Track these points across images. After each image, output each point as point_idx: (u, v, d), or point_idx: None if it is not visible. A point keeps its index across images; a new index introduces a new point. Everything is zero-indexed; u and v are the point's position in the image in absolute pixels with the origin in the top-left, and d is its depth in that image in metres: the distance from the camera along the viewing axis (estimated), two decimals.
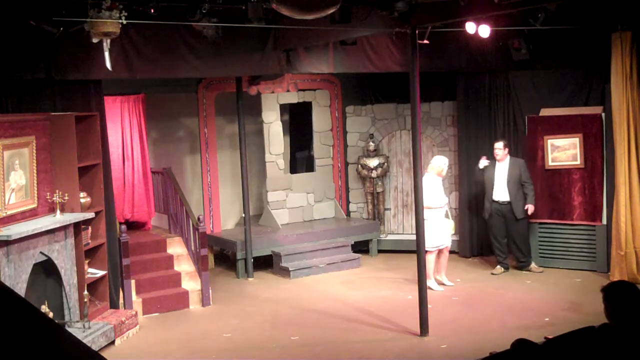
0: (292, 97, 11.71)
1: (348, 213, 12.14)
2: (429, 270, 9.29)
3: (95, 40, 7.02)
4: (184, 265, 9.48)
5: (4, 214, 6.85)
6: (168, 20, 7.42)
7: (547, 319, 7.98)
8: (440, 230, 9.44)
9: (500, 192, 9.93)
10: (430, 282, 9.17)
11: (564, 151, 9.96)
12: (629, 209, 9.18)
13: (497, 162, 10.01)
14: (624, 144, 9.13)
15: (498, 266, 10.09)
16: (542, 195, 10.18)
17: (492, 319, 8.12)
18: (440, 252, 9.53)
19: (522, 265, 10.06)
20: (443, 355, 7.10)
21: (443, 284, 9.54)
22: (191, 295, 9.07)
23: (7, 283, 6.38)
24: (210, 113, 11.11)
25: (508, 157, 10.01)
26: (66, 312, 7.56)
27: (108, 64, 7.21)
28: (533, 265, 10.06)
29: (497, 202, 9.97)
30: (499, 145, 9.97)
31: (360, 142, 11.99)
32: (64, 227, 7.51)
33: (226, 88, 10.99)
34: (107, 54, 7.14)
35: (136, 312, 8.37)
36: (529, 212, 9.93)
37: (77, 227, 7.77)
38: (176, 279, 9.26)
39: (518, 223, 9.94)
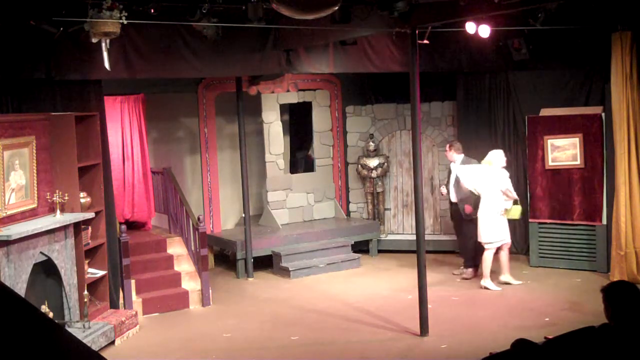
0: (292, 97, 11.71)
1: (348, 213, 12.14)
2: (486, 269, 9.27)
3: (94, 40, 7.02)
4: (184, 265, 9.48)
5: (4, 214, 6.85)
6: (168, 20, 7.42)
7: (547, 319, 7.98)
8: (497, 226, 9.26)
9: (452, 194, 9.89)
10: (486, 282, 9.24)
11: (564, 151, 9.95)
12: (629, 209, 9.18)
13: (451, 164, 9.98)
14: (624, 144, 9.13)
15: (462, 268, 10.01)
16: (542, 195, 10.18)
17: (492, 319, 8.12)
18: (499, 249, 9.39)
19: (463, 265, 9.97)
20: (443, 355, 7.10)
21: (509, 284, 9.38)
22: (191, 295, 9.07)
23: (7, 283, 6.38)
24: (210, 113, 11.11)
25: (462, 157, 9.81)
26: (66, 312, 7.56)
27: (106, 64, 7.22)
28: (467, 270, 9.79)
29: (452, 203, 9.98)
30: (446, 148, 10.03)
31: (360, 142, 11.99)
32: (64, 227, 7.51)
33: (226, 88, 10.99)
34: (105, 54, 7.14)
35: (136, 312, 8.37)
36: (466, 211, 9.60)
37: (77, 227, 7.76)
38: (176, 279, 9.26)
39: (466, 223, 9.73)
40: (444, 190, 10.06)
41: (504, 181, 9.32)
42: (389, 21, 7.53)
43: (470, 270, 9.81)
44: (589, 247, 9.95)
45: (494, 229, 9.22)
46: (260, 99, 11.34)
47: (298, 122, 12.47)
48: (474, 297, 9.04)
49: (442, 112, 11.61)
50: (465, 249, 9.90)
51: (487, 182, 9.26)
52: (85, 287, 7.73)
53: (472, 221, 9.55)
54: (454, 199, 9.87)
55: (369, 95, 12.25)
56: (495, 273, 9.42)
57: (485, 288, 9.23)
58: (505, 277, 9.43)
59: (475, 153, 11.08)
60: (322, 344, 7.58)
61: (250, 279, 10.37)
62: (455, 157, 9.85)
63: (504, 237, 9.33)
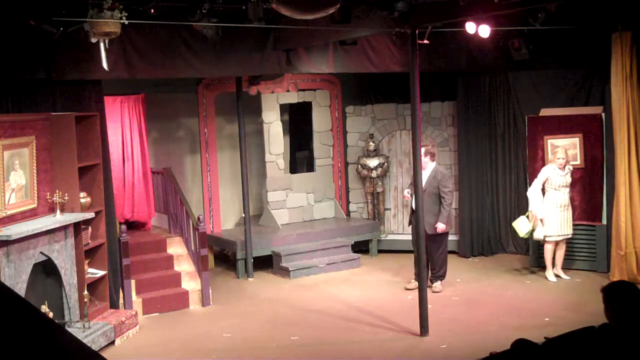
0: (292, 97, 11.71)
1: (348, 213, 12.14)
2: (547, 261, 9.53)
3: (94, 40, 7.01)
4: (184, 265, 9.48)
5: (4, 214, 6.85)
6: (168, 20, 7.42)
7: (547, 319, 7.98)
8: (559, 220, 9.40)
9: (414, 201, 8.52)
10: (547, 273, 9.51)
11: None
12: (629, 209, 9.18)
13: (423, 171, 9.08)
14: (624, 144, 9.13)
15: (413, 280, 9.30)
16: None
17: (492, 319, 8.12)
18: (558, 243, 9.53)
19: (430, 279, 9.07)
20: (443, 355, 7.11)
21: (559, 277, 9.58)
22: (191, 295, 9.07)
23: (7, 283, 6.38)
24: (210, 113, 11.11)
25: (433, 164, 9.26)
26: (66, 312, 7.56)
27: (104, 64, 7.21)
28: (435, 284, 9.23)
29: (414, 211, 8.66)
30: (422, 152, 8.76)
31: (360, 142, 11.99)
32: (64, 227, 7.51)
33: (226, 88, 10.99)
34: (103, 54, 7.14)
35: (136, 312, 8.37)
36: (438, 231, 9.07)
37: (77, 227, 7.76)
38: (176, 279, 9.26)
39: (430, 237, 8.95)
40: (407, 193, 9.44)
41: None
42: (389, 21, 7.53)
43: (439, 283, 9.32)
44: (589, 247, 9.94)
45: (556, 223, 9.40)
46: (260, 99, 11.34)
47: (298, 122, 12.47)
48: (474, 297, 9.04)
49: (442, 112, 11.61)
50: (434, 262, 9.28)
51: (553, 179, 9.42)
52: (85, 287, 7.73)
53: (436, 235, 9.16)
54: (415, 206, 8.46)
55: (369, 95, 12.25)
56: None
57: (545, 278, 9.50)
58: (557, 270, 9.62)
59: (475, 153, 11.14)
60: (322, 344, 7.58)
61: (250, 279, 10.37)
62: (429, 165, 9.16)
63: (566, 232, 9.49)
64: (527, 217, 9.58)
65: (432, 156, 9.34)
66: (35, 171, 7.38)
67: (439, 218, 9.13)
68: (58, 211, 7.46)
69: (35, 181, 7.40)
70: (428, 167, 9.17)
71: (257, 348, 7.55)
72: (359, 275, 10.38)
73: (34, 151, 7.37)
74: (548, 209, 9.41)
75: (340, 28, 7.83)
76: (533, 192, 9.50)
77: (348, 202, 12.19)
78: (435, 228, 9.09)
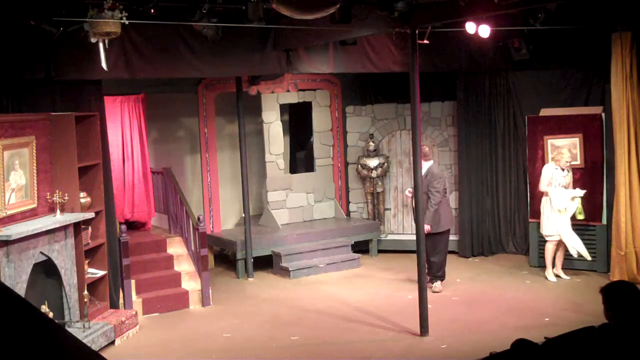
0: (292, 97, 11.71)
1: (348, 213, 12.14)
2: (547, 261, 9.59)
3: (94, 40, 7.01)
4: (184, 265, 9.48)
5: (4, 214, 6.85)
6: (168, 20, 7.42)
7: (547, 319, 7.98)
8: (556, 221, 9.42)
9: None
10: (547, 272, 9.57)
11: None
12: (629, 209, 9.18)
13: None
14: (624, 144, 9.13)
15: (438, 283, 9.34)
16: (542, 195, 10.18)
17: (492, 319, 8.12)
18: (559, 243, 9.55)
19: (430, 279, 9.07)
20: (443, 355, 7.11)
21: (559, 277, 9.63)
22: (191, 295, 9.07)
23: (7, 283, 6.38)
24: (210, 113, 11.12)
25: (428, 164, 9.17)
26: (66, 312, 7.56)
27: (103, 64, 7.21)
28: (435, 284, 9.22)
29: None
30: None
31: (360, 142, 11.99)
32: (64, 227, 7.51)
33: (226, 88, 10.99)
34: (102, 54, 7.14)
35: (136, 312, 8.37)
36: (425, 232, 8.48)
37: (77, 227, 7.77)
38: (176, 279, 9.26)
39: (429, 237, 8.81)
40: (408, 192, 9.46)
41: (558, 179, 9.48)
42: (389, 21, 7.53)
43: (439, 283, 9.31)
44: (589, 247, 9.93)
45: (553, 224, 9.43)
46: (260, 99, 11.34)
47: (298, 122, 12.47)
48: (474, 297, 9.05)
49: (442, 112, 11.61)
50: (431, 262, 9.17)
51: (553, 179, 9.43)
52: (85, 287, 7.73)
53: (440, 233, 9.20)
54: None
55: (369, 95, 12.25)
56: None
57: (545, 278, 9.56)
58: (557, 270, 9.67)
59: (475, 153, 11.14)
60: (322, 344, 7.58)
61: (250, 279, 10.37)
62: (423, 164, 8.83)
63: (562, 233, 9.46)
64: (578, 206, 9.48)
65: (425, 156, 9.08)
66: (35, 171, 7.38)
67: (425, 218, 9.01)
68: (58, 211, 7.46)
69: (35, 181, 7.40)
70: (426, 164, 9.11)
71: (257, 348, 7.55)
72: (359, 275, 10.38)
73: (34, 151, 7.37)
74: (550, 210, 9.43)
75: (340, 28, 7.83)
76: (553, 193, 9.38)
77: (348, 202, 12.19)
78: (427, 233, 8.99)
